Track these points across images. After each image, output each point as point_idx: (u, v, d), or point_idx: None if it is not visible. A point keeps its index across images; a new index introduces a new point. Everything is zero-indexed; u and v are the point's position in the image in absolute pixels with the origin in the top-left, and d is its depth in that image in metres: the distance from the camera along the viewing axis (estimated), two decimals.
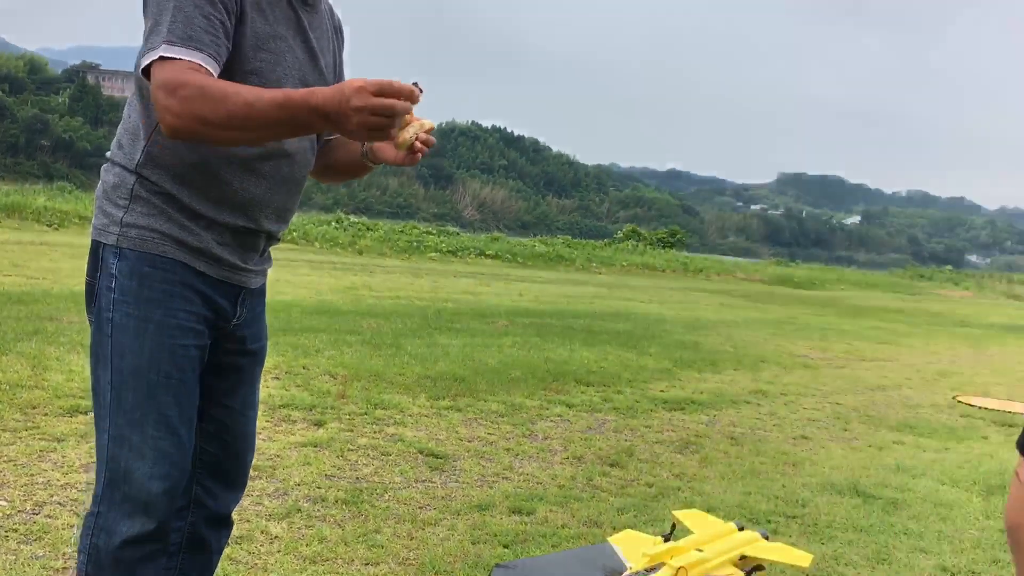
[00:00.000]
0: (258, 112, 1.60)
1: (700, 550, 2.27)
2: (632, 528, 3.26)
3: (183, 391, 1.83)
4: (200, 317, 1.86)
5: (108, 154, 1.88)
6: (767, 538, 2.53)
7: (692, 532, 2.46)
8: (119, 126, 1.89)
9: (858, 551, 3.71)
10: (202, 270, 1.84)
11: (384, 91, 1.57)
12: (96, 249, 1.84)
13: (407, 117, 1.70)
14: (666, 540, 2.35)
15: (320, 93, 1.60)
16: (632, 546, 2.41)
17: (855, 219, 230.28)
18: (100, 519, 1.82)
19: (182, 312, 1.82)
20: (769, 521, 4.00)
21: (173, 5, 1.68)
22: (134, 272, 1.79)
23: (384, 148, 1.98)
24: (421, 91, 1.63)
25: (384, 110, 1.58)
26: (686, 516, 2.67)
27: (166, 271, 1.80)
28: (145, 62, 1.67)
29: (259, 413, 4.96)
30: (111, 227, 1.81)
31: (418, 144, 1.76)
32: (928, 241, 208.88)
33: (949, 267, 57.85)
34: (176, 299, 1.81)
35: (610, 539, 2.54)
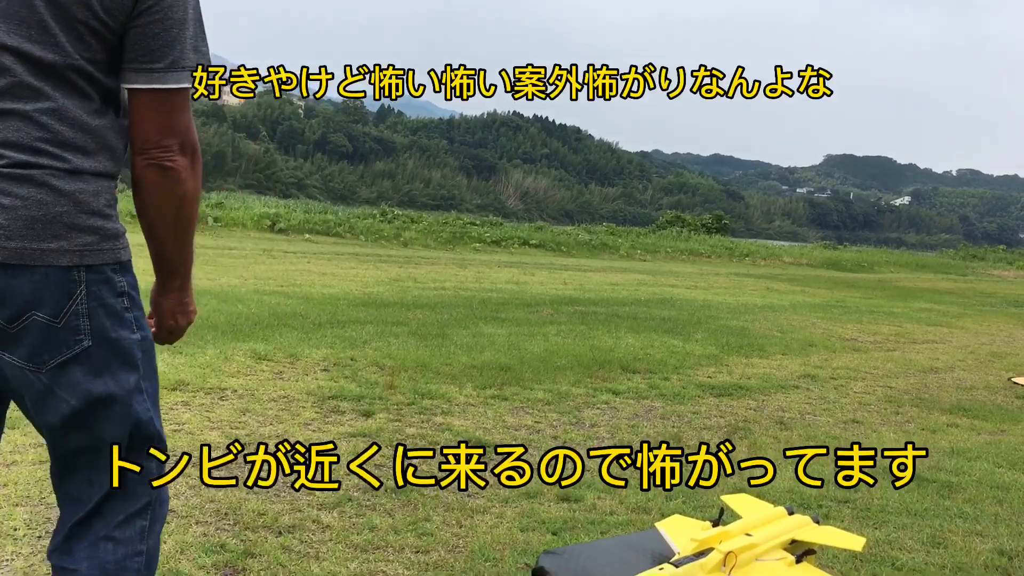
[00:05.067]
0: (193, 226, 1.74)
1: (749, 535, 2.25)
2: (680, 514, 3.25)
3: None
4: None
5: (68, 163, 1.57)
6: (818, 522, 2.50)
7: (741, 517, 2.45)
8: (53, 126, 1.55)
9: (912, 535, 3.66)
10: None
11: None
12: (72, 276, 1.57)
13: None
14: (715, 525, 2.34)
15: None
16: (680, 531, 2.40)
17: (905, 200, 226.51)
18: (154, 511, 1.77)
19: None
20: (820, 506, 3.96)
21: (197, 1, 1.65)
22: (135, 284, 1.70)
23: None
24: None
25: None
26: (735, 501, 2.66)
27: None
28: (176, 85, 1.62)
29: (309, 404, 5.04)
30: (103, 243, 1.61)
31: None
32: (980, 220, 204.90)
33: (1002, 247, 56.61)
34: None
35: (658, 524, 2.53)
